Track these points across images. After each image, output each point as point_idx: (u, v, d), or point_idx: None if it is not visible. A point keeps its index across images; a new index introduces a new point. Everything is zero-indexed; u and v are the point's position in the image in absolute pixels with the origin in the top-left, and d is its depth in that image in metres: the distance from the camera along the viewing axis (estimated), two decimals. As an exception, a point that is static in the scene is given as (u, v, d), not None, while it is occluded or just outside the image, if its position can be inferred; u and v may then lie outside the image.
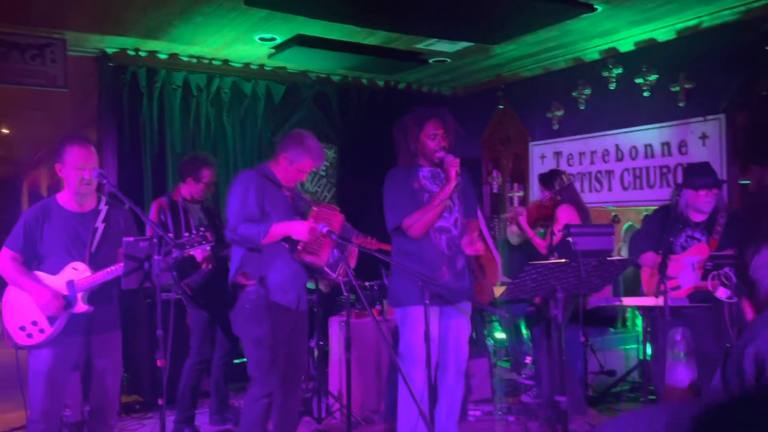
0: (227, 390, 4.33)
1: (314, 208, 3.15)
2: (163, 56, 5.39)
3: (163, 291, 2.73)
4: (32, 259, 2.91)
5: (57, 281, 2.85)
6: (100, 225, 2.90)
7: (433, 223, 3.21)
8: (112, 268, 2.85)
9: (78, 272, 2.86)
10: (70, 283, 2.85)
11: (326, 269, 3.08)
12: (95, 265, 2.89)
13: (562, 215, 4.17)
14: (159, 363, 2.59)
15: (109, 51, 5.19)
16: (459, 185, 3.20)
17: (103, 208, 2.97)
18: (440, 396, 3.34)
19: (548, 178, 4.45)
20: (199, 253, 3.61)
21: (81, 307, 2.85)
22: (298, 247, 3.06)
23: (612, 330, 5.25)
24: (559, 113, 5.95)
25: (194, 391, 4.09)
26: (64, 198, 2.95)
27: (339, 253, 2.75)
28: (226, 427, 4.25)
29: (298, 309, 3.24)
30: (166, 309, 2.67)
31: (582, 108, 5.72)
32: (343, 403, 4.26)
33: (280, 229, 3.07)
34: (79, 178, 2.85)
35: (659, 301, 3.27)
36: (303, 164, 3.22)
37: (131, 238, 2.71)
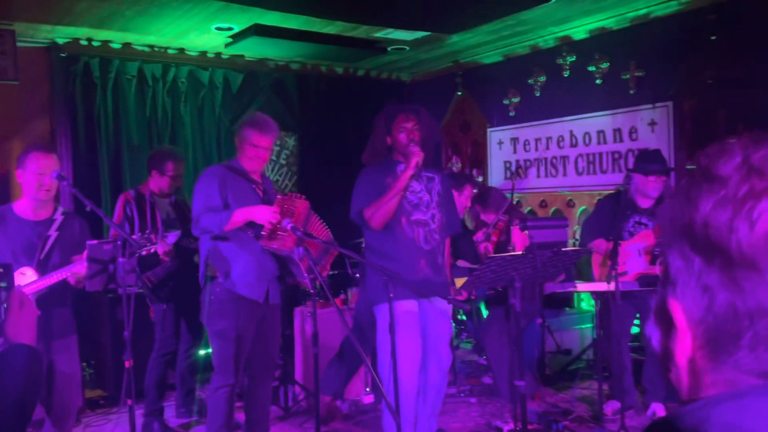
0: (193, 382, 4.36)
1: (278, 196, 3.16)
2: (116, 46, 5.27)
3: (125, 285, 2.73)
4: None
5: None
6: (52, 233, 2.88)
7: (391, 213, 3.20)
8: (58, 271, 2.81)
9: (25, 277, 2.83)
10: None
11: (304, 277, 3.09)
12: (44, 270, 2.86)
13: (518, 239, 4.21)
14: (127, 364, 2.61)
15: (60, 41, 5.06)
16: (421, 175, 3.25)
17: (59, 217, 2.95)
18: (424, 395, 3.38)
19: (484, 198, 4.50)
20: (160, 248, 3.60)
21: None
22: (262, 232, 3.07)
23: (567, 310, 5.45)
24: (516, 100, 6.06)
25: (160, 384, 4.10)
26: (20, 206, 2.93)
27: (303, 250, 2.79)
28: (192, 419, 4.28)
29: (267, 302, 3.25)
30: (128, 304, 2.67)
31: (538, 95, 5.85)
32: (310, 391, 4.34)
33: (241, 214, 3.07)
34: (38, 183, 2.83)
35: (611, 287, 3.43)
36: (252, 138, 3.20)
37: (95, 241, 2.69)
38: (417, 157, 3.18)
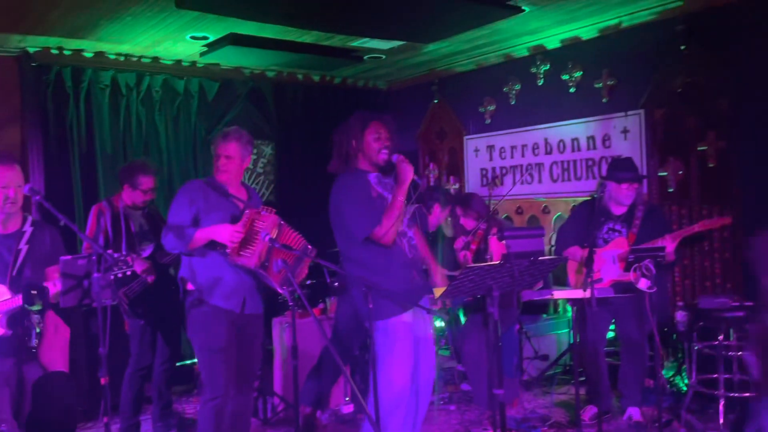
0: (170, 395, 4.30)
1: (246, 211, 3.13)
2: (89, 55, 5.21)
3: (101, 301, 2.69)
4: None
5: None
6: (23, 247, 2.83)
7: (398, 229, 3.09)
8: (32, 292, 2.74)
9: None
10: None
11: (276, 286, 3.09)
12: (17, 288, 2.81)
13: (495, 248, 4.23)
14: (102, 381, 2.57)
15: (31, 50, 4.98)
16: (419, 186, 3.11)
17: (28, 228, 2.90)
18: (415, 404, 3.28)
19: (466, 202, 4.54)
20: (138, 266, 3.56)
21: None
22: (227, 250, 3.08)
23: (544, 316, 5.51)
24: (491, 108, 6.13)
25: (137, 399, 4.05)
26: None
27: (282, 263, 2.78)
28: (170, 432, 4.23)
29: (243, 313, 3.25)
30: (104, 320, 2.64)
31: (513, 103, 5.92)
32: (289, 403, 4.32)
33: (203, 233, 3.10)
34: (3, 196, 2.78)
35: (587, 294, 3.47)
36: (215, 149, 3.26)
37: (68, 257, 2.65)
38: (411, 170, 3.08)
